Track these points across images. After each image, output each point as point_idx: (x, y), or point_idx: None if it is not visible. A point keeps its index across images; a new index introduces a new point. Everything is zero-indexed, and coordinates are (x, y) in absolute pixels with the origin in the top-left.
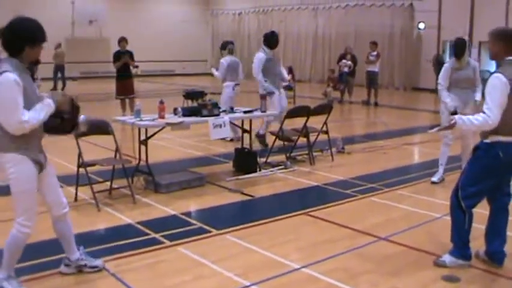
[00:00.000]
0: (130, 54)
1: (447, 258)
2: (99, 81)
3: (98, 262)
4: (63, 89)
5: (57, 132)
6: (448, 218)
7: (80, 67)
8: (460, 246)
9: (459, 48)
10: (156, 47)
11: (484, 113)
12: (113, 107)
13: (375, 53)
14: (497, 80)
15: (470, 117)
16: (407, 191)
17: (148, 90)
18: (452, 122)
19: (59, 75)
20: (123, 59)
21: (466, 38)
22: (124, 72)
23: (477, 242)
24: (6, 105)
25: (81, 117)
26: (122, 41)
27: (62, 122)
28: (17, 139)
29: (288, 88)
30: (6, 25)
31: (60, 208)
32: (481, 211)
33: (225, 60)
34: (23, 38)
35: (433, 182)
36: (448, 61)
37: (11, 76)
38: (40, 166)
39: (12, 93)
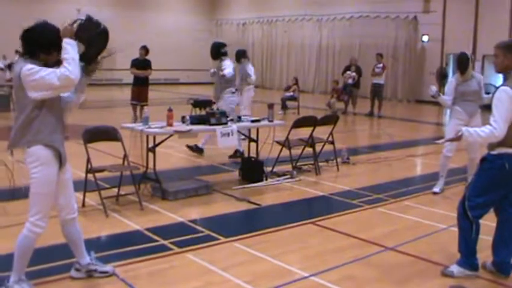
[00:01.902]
0: (147, 63)
1: (454, 268)
2: (103, 88)
3: (108, 267)
4: None
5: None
6: (455, 229)
7: None
8: (467, 256)
9: (462, 63)
10: (161, 55)
11: (490, 125)
12: (119, 114)
13: (380, 65)
14: (504, 93)
15: (477, 129)
16: (412, 202)
17: (153, 98)
18: (459, 133)
19: None
20: (133, 69)
21: (469, 52)
22: (139, 79)
23: (484, 254)
24: (39, 78)
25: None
26: (141, 49)
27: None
28: (41, 131)
29: (292, 98)
30: (27, 28)
31: (69, 212)
32: (488, 223)
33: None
34: (37, 45)
35: (435, 193)
36: (454, 76)
37: (31, 65)
38: (61, 161)
39: (39, 69)
